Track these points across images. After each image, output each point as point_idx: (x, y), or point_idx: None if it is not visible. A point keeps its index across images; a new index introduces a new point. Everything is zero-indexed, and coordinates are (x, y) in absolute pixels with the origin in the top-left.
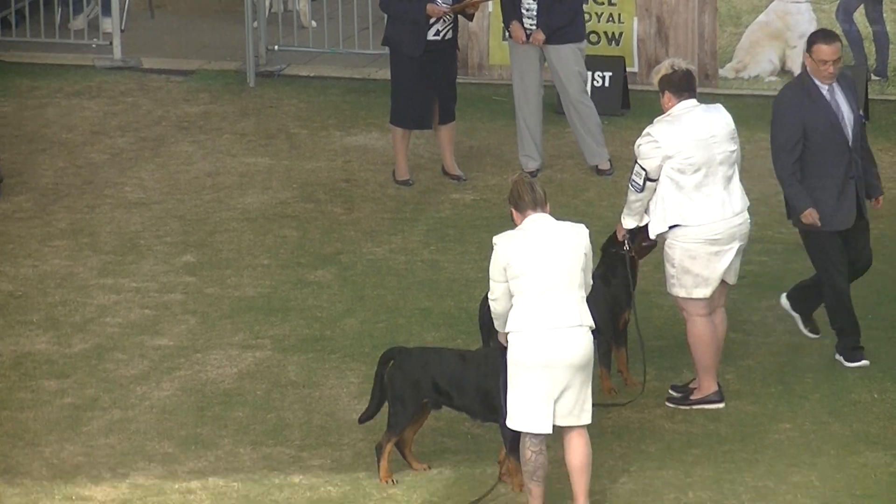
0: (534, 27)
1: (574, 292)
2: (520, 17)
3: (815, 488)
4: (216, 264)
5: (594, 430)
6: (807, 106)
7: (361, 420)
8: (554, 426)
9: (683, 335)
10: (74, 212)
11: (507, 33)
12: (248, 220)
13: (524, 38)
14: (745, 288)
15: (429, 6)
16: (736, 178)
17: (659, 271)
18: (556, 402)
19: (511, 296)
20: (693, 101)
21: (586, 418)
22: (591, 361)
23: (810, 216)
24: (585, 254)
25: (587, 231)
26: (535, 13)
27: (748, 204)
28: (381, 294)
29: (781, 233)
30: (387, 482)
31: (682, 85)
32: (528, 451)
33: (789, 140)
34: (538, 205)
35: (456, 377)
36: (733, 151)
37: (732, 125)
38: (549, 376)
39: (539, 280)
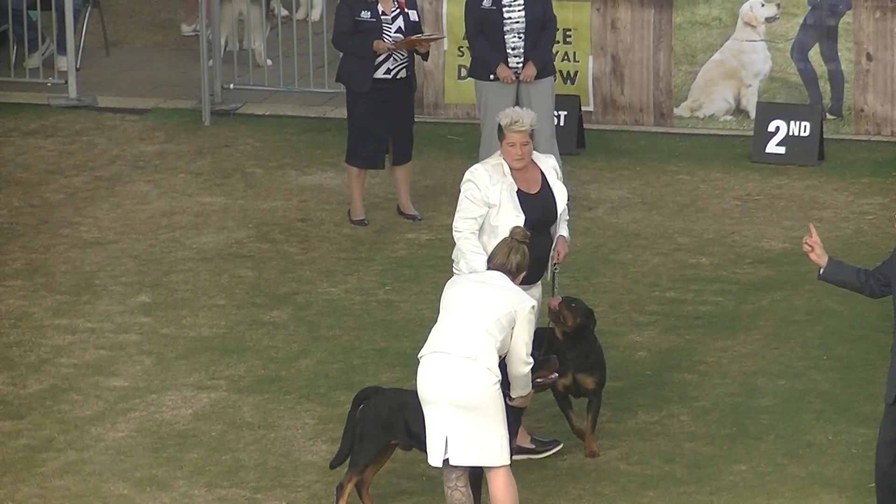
0: (520, 66)
1: (482, 331)
2: (505, 59)
3: None
4: (172, 304)
5: (550, 472)
6: None
7: (333, 465)
8: (450, 463)
9: (638, 375)
10: (30, 251)
11: (490, 76)
12: (204, 260)
13: (514, 78)
14: (700, 329)
15: (375, 42)
16: None
17: (615, 311)
18: (447, 436)
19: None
20: None
21: (493, 460)
22: (486, 405)
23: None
24: (517, 318)
25: (533, 304)
26: (521, 51)
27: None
28: (336, 334)
29: (736, 273)
30: None
31: None
32: (445, 486)
33: None
34: (507, 272)
35: None
36: None
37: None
38: (436, 410)
39: (457, 314)
